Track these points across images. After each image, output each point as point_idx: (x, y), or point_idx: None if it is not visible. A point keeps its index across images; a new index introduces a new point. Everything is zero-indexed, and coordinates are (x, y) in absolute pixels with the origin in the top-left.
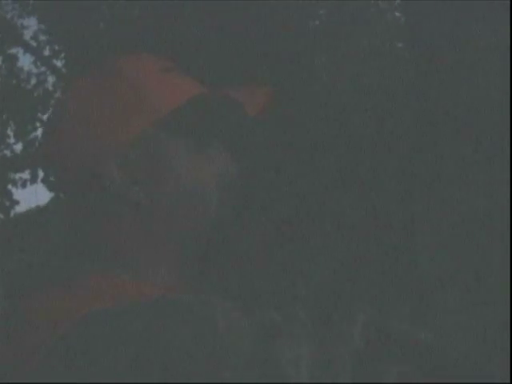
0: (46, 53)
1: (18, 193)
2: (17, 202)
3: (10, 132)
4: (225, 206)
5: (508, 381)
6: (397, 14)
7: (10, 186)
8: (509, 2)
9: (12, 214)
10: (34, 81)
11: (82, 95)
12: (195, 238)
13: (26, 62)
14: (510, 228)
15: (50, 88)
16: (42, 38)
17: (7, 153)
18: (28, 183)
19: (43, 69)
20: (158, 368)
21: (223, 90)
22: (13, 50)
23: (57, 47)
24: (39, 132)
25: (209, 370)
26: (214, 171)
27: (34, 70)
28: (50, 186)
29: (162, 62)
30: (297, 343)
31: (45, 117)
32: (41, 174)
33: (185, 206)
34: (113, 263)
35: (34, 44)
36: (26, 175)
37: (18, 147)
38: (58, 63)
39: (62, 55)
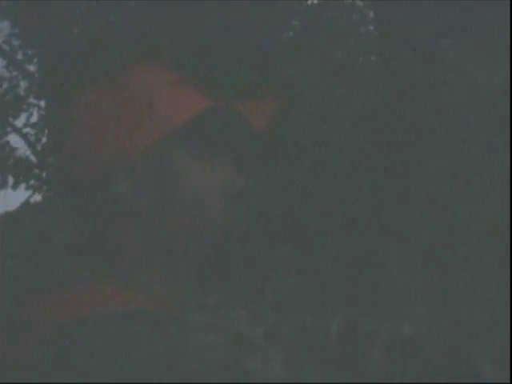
0: (19, 57)
1: None
2: None
3: None
4: (231, 218)
5: (508, 381)
6: (370, 27)
7: None
8: (509, 3)
9: None
10: (5, 85)
11: (92, 106)
12: (199, 249)
13: None
14: (480, 237)
15: (22, 93)
16: (15, 42)
17: None
18: None
19: (15, 73)
20: (131, 378)
21: (230, 104)
22: None
23: (30, 52)
24: (10, 137)
25: (182, 381)
26: (221, 183)
27: (6, 75)
28: (57, 194)
29: (171, 74)
30: (271, 358)
31: (16, 121)
32: (11, 179)
33: (191, 216)
34: (106, 272)
35: (6, 48)
36: None
37: None
38: (31, 68)
39: (35, 60)
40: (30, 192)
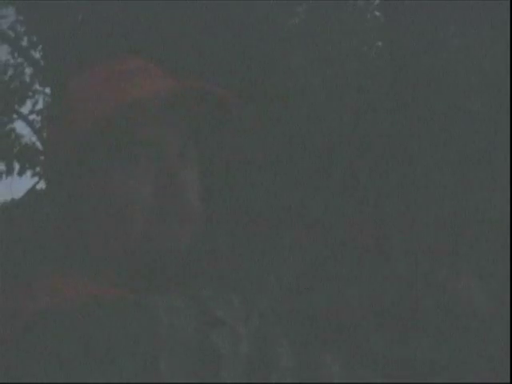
0: (24, 44)
1: None
2: None
3: None
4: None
5: (508, 381)
6: (376, 13)
7: None
8: (509, 2)
9: None
10: (10, 72)
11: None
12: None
13: (3, 52)
14: (480, 230)
15: (27, 80)
16: (20, 28)
17: None
18: (3, 176)
19: (20, 60)
20: (103, 361)
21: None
22: None
23: (35, 38)
24: (16, 124)
25: (148, 361)
26: (151, 179)
27: (12, 61)
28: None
29: (136, 62)
30: (236, 336)
31: (22, 109)
32: (17, 166)
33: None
34: (76, 264)
35: (11, 34)
36: (1, 167)
37: None
38: (36, 55)
39: (40, 47)
40: (35, 179)
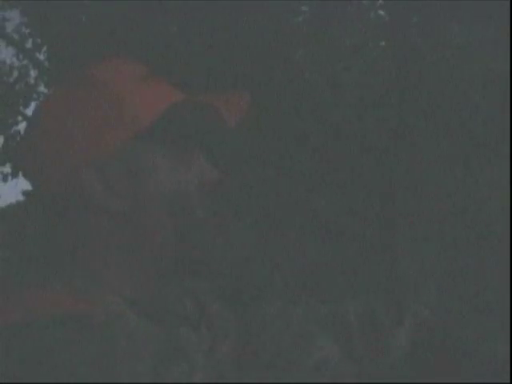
0: (29, 46)
1: None
2: None
3: None
4: (205, 213)
5: (508, 381)
6: (380, 12)
7: None
8: (509, 3)
9: None
10: (15, 74)
11: (59, 105)
12: (171, 248)
13: (8, 55)
14: (487, 226)
15: (32, 81)
16: (25, 30)
17: None
18: (9, 177)
19: (25, 62)
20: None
21: (202, 97)
22: None
23: (39, 40)
24: (21, 126)
25: None
26: (194, 179)
27: (16, 63)
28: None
29: (140, 68)
30: (192, 368)
31: (27, 110)
32: None
33: (163, 213)
34: (56, 276)
35: (16, 37)
36: (7, 169)
37: (0, 141)
38: (41, 56)
39: (45, 48)
40: None
